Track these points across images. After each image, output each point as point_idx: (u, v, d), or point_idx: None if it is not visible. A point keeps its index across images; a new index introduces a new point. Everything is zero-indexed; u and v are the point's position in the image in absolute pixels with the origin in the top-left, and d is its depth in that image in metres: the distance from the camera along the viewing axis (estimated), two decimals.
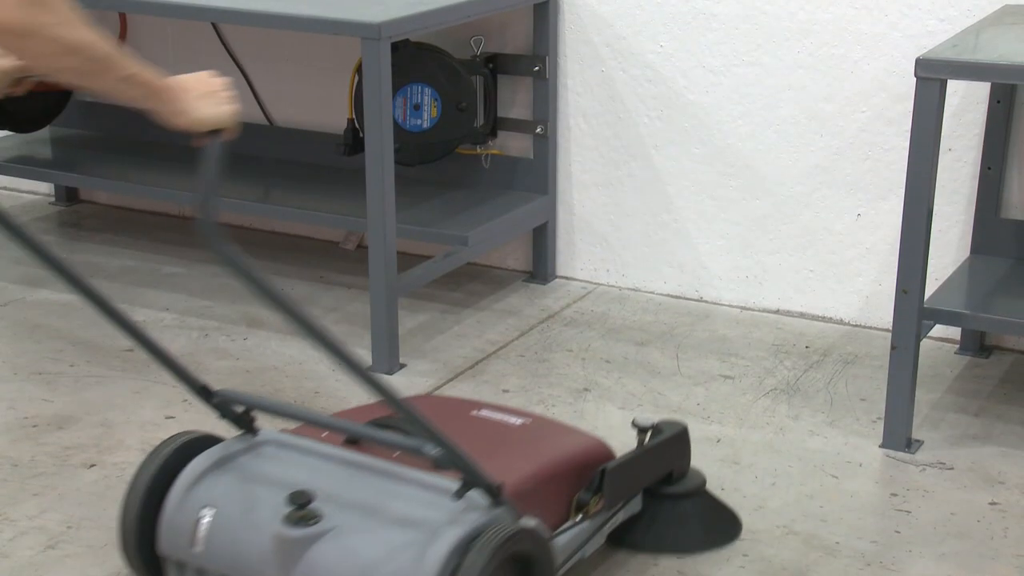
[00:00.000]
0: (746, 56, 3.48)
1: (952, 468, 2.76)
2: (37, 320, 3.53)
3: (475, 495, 2.09)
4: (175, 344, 3.36)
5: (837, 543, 2.47)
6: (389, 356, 3.20)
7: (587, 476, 2.32)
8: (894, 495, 2.66)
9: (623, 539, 2.46)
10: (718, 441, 2.88)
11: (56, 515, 2.55)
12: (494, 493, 2.10)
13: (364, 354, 3.24)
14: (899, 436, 2.82)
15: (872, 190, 3.43)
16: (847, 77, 3.38)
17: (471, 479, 2.08)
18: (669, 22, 3.54)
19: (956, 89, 3.20)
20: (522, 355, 3.33)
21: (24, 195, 4.63)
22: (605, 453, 2.40)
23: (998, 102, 3.18)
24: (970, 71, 2.69)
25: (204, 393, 2.25)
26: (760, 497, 2.64)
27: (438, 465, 2.12)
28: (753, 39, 3.47)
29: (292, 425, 2.40)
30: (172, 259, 3.87)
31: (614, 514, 2.39)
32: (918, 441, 2.86)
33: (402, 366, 3.24)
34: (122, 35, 4.14)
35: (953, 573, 2.38)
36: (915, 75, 2.62)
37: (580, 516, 2.29)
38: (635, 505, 2.46)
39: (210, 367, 3.23)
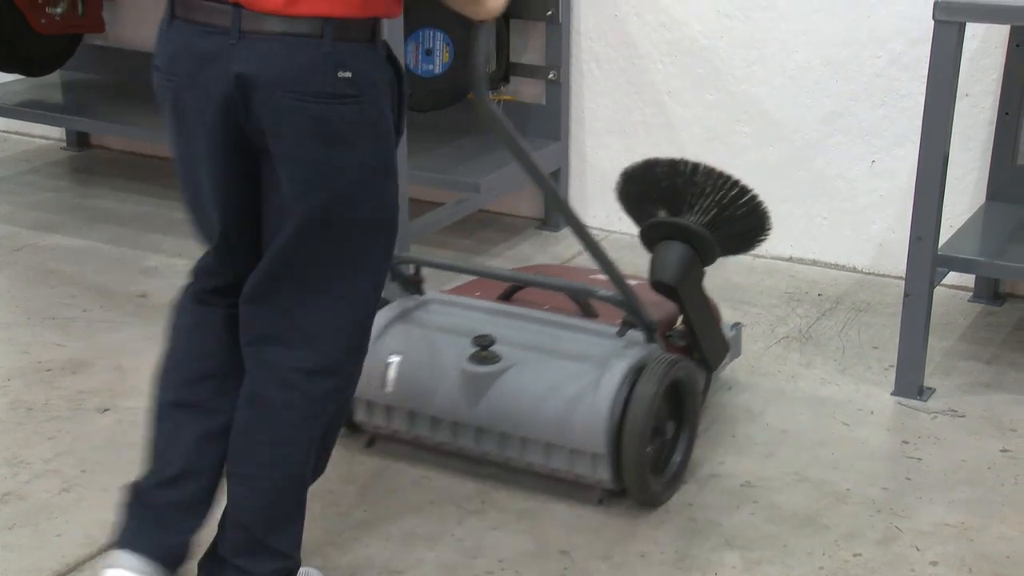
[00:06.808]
0: (761, 0, 3.45)
1: (964, 416, 2.76)
2: (50, 265, 3.54)
3: (634, 333, 2.39)
4: None
5: (848, 490, 2.48)
6: None
7: None
8: (905, 442, 2.66)
9: None
10: (730, 388, 2.88)
11: (71, 459, 2.57)
12: (651, 331, 2.38)
13: None
14: (911, 384, 2.82)
15: (887, 136, 3.40)
16: (863, 21, 3.35)
17: (633, 319, 2.37)
18: None
19: (974, 32, 3.17)
20: None
21: (36, 140, 4.63)
22: (714, 306, 2.67)
23: (1017, 46, 3.14)
24: (990, 13, 2.66)
25: None
26: (771, 444, 2.64)
27: (588, 313, 2.46)
28: None
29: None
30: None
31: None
32: (930, 389, 2.85)
33: None
34: None
35: (963, 520, 2.39)
36: (933, 18, 2.59)
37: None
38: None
39: None
